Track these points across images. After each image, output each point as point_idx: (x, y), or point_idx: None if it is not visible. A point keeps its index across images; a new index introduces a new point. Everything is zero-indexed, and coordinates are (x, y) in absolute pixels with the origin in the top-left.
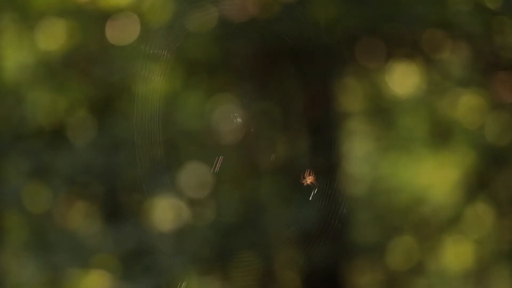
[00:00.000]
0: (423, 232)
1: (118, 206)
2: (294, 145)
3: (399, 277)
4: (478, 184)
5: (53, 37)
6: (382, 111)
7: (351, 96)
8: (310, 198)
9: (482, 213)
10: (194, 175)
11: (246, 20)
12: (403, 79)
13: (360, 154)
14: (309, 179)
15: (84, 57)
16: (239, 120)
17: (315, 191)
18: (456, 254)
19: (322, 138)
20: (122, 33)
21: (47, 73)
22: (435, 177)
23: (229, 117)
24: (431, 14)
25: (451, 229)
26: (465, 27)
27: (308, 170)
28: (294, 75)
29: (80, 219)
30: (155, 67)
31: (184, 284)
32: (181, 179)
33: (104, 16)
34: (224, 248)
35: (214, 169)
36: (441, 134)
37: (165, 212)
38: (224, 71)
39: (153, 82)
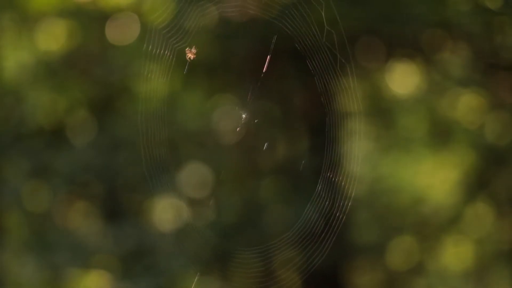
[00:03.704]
0: (423, 232)
1: (118, 206)
2: (294, 145)
3: (399, 277)
4: (478, 184)
5: (53, 37)
6: (382, 111)
7: (351, 96)
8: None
9: (482, 213)
10: (194, 175)
11: (246, 20)
12: (403, 79)
13: (360, 154)
14: (189, 53)
15: (84, 57)
16: (244, 115)
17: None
18: (456, 254)
19: (322, 138)
20: (122, 33)
21: (47, 73)
22: (435, 177)
23: (233, 114)
24: (431, 14)
25: (451, 229)
26: (465, 27)
27: (191, 47)
28: (294, 75)
29: (80, 219)
30: (155, 67)
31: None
32: (181, 179)
33: (104, 16)
34: (224, 248)
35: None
36: (441, 134)
37: (165, 212)
38: (224, 71)
39: (153, 82)
